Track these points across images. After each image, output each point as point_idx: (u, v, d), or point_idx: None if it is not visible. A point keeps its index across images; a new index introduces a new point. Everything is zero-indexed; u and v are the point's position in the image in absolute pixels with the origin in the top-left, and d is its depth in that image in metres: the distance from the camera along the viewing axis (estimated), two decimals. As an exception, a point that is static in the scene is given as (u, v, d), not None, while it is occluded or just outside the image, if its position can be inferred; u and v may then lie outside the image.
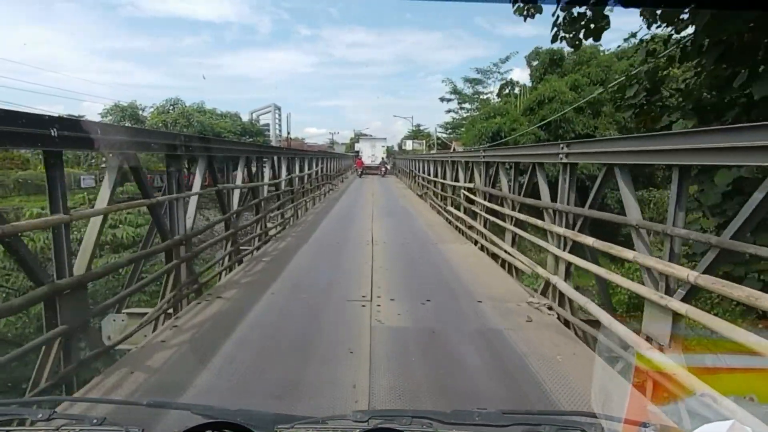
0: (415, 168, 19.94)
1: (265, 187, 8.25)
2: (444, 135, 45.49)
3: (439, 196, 11.91)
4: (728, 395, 2.06)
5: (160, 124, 27.03)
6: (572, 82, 23.58)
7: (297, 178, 11.61)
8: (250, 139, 31.72)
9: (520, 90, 28.85)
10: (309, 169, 14.26)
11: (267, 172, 8.68)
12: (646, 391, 2.69)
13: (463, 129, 38.50)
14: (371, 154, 37.46)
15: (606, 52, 26.34)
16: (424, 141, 50.42)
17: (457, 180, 9.74)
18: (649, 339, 2.91)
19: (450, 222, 10.07)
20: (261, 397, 2.72)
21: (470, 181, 8.45)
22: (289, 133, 45.37)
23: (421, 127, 56.24)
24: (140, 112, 29.86)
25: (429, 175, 14.68)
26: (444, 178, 11.43)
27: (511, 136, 22.22)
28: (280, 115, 45.45)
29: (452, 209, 9.91)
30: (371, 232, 8.80)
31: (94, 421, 1.11)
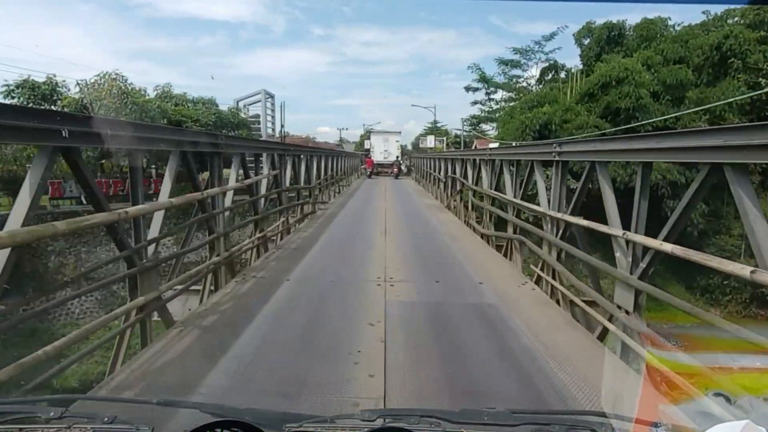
0: (464, 175, 10.49)
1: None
2: (463, 132, 38.89)
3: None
4: (742, 395, 2.02)
5: (79, 106, 18.49)
6: (643, 60, 18.03)
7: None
8: (232, 133, 24.02)
9: (571, 74, 22.48)
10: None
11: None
12: (657, 390, 2.66)
13: (493, 123, 33.51)
14: (384, 149, 32.15)
15: (677, 26, 21.16)
16: (444, 138, 43.11)
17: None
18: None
19: None
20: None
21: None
22: (283, 126, 34.64)
23: (438, 125, 48.66)
24: (65, 91, 19.66)
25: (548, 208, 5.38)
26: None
27: (565, 129, 16.89)
28: (273, 104, 34.37)
29: None
30: None
31: (105, 419, 1.13)
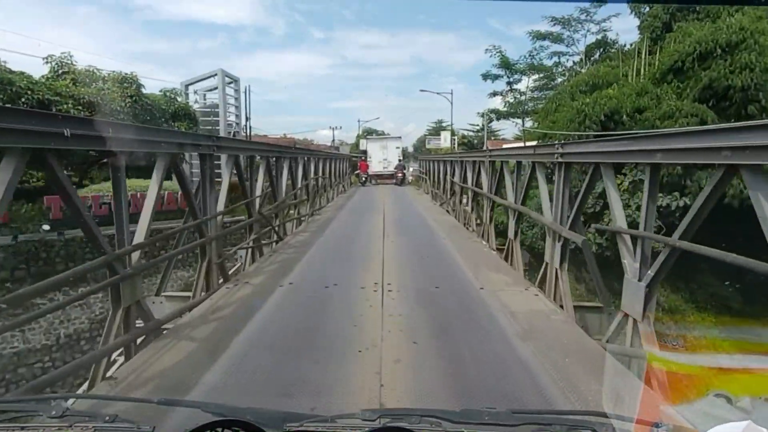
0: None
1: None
2: (471, 133, 33.58)
3: None
4: (743, 395, 2.02)
5: None
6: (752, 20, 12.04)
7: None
8: (166, 126, 17.22)
9: (637, 46, 15.99)
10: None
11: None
12: (658, 390, 2.65)
13: (517, 119, 27.95)
14: (383, 158, 26.93)
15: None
16: (454, 138, 33.88)
17: None
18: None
19: None
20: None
21: None
22: (248, 119, 25.69)
23: (443, 123, 40.30)
24: None
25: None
26: None
27: (642, 120, 11.87)
28: (237, 90, 24.23)
29: None
30: None
31: (107, 418, 1.13)
